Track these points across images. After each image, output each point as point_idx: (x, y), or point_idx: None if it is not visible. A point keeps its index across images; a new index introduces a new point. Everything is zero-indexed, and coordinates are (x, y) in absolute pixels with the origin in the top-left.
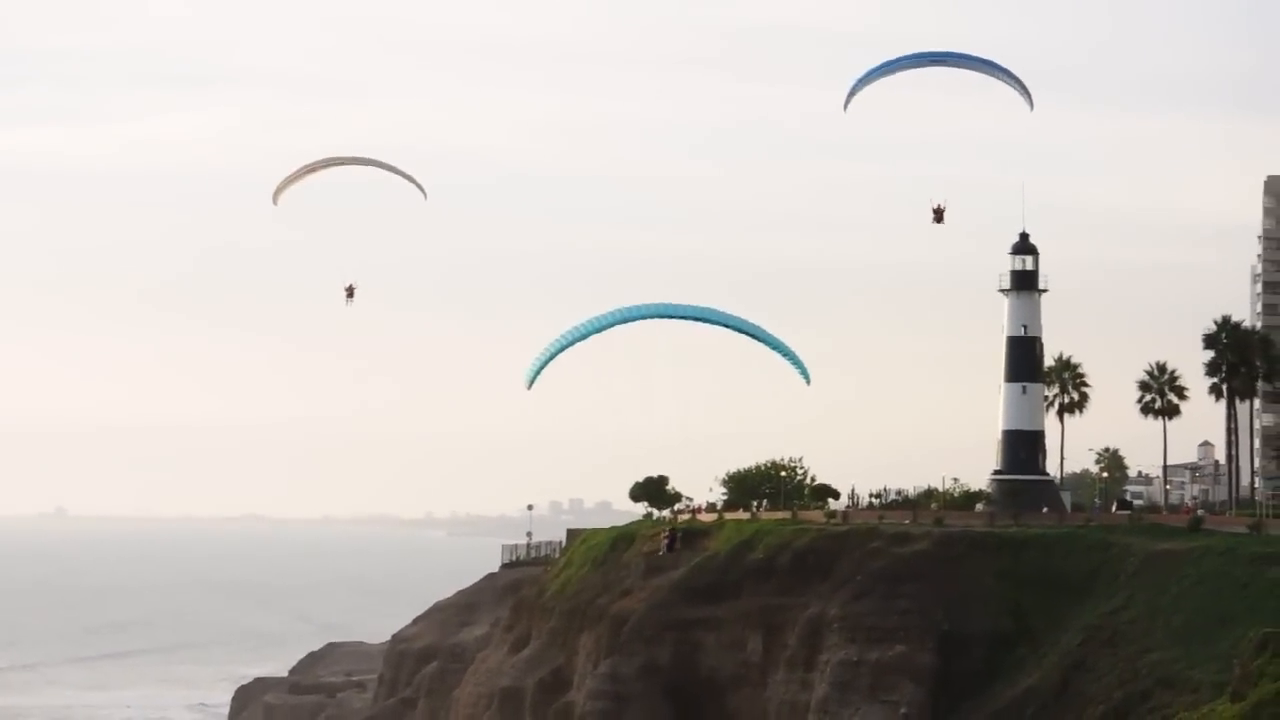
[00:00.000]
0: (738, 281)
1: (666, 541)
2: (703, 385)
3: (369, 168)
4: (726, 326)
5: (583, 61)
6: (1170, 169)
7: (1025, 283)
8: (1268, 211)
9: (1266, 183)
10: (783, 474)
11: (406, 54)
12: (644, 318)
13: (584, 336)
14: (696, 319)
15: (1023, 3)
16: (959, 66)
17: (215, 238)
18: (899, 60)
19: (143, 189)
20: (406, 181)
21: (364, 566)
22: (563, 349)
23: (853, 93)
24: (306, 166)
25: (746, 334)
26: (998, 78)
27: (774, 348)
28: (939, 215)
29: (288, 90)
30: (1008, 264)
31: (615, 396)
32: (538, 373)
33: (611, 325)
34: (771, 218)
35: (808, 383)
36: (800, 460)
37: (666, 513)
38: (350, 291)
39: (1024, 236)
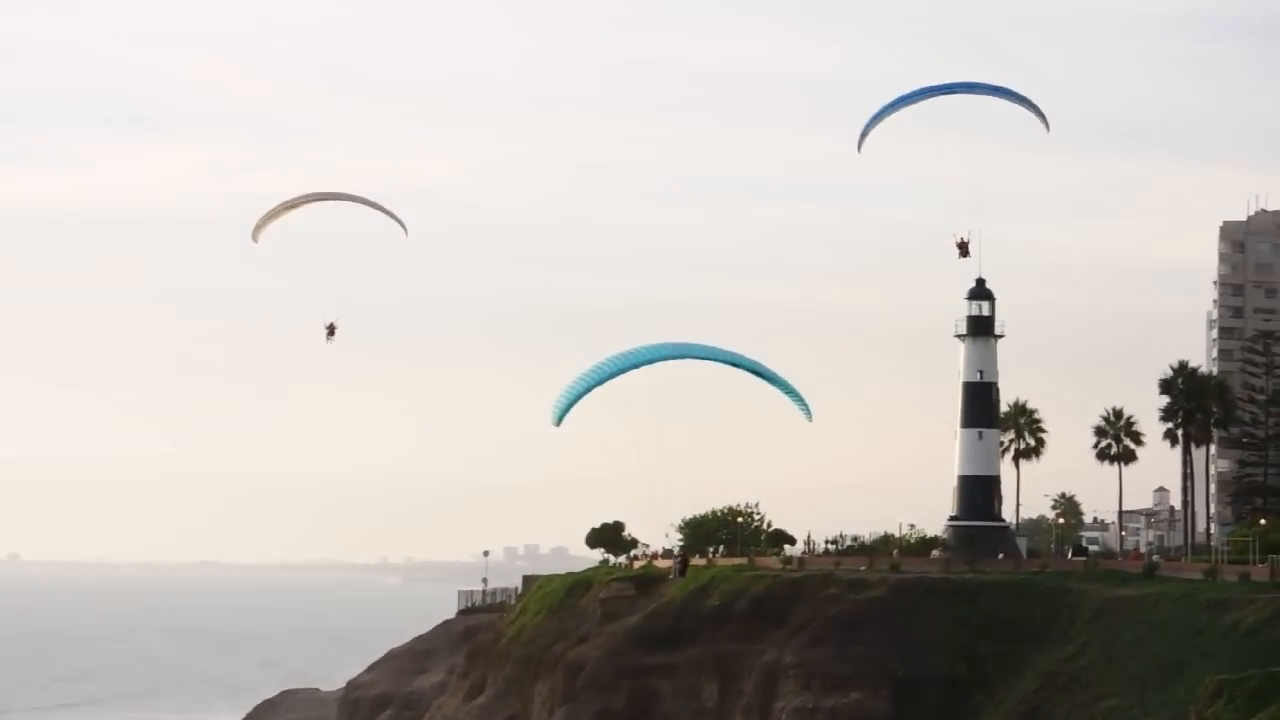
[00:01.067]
0: (692, 326)
1: (679, 565)
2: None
3: (351, 204)
4: (736, 366)
5: (538, 105)
6: (1126, 214)
7: (981, 328)
8: (1223, 257)
9: (1222, 228)
10: (739, 520)
11: (363, 98)
12: (668, 358)
13: (611, 375)
14: (709, 359)
15: (978, 48)
16: (970, 94)
17: (171, 281)
18: (910, 95)
19: (97, 232)
20: (377, 218)
21: (319, 613)
22: (589, 389)
23: (865, 132)
24: (286, 203)
25: (753, 372)
26: (1011, 102)
27: (776, 384)
28: (964, 249)
29: (243, 134)
30: (964, 309)
31: (571, 442)
32: (566, 410)
33: (637, 365)
34: (726, 262)
35: (809, 419)
36: (757, 506)
37: (623, 559)
38: (331, 330)
39: (980, 282)
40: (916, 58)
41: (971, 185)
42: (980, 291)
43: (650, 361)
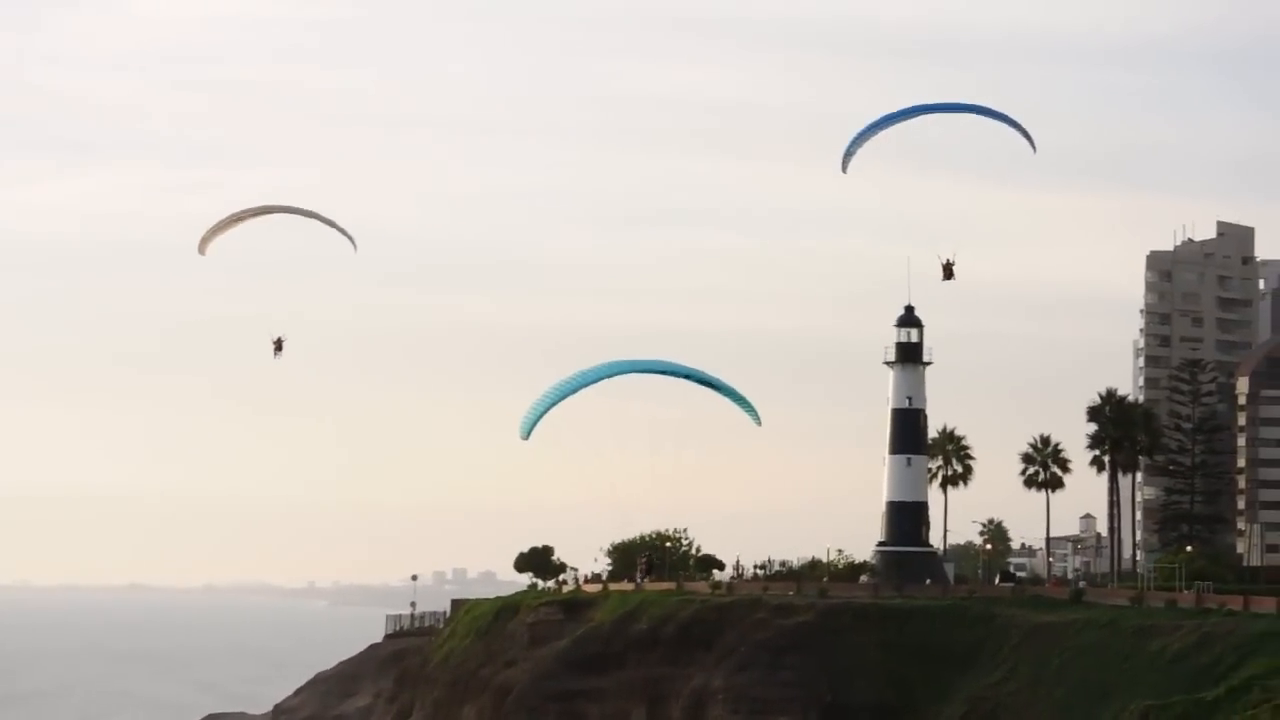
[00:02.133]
0: (627, 352)
1: (643, 566)
2: (586, 456)
3: (298, 217)
4: (685, 377)
5: (467, 131)
6: (1054, 242)
7: (910, 355)
8: (1150, 286)
9: (1149, 258)
10: (668, 545)
11: (296, 120)
12: (631, 372)
13: (576, 389)
14: (669, 373)
15: (905, 77)
16: (953, 113)
17: (94, 304)
18: (895, 115)
19: (25, 256)
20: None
21: (248, 636)
22: (555, 403)
23: (849, 153)
24: (233, 215)
25: (702, 382)
26: (997, 120)
27: (726, 393)
28: (948, 271)
29: (174, 157)
30: (892, 336)
31: (500, 466)
32: (534, 424)
33: (600, 379)
34: (653, 289)
35: (758, 424)
36: (685, 531)
37: (552, 584)
38: (278, 344)
39: (909, 309)
40: (847, 86)
41: (901, 215)
42: (909, 319)
43: (615, 374)
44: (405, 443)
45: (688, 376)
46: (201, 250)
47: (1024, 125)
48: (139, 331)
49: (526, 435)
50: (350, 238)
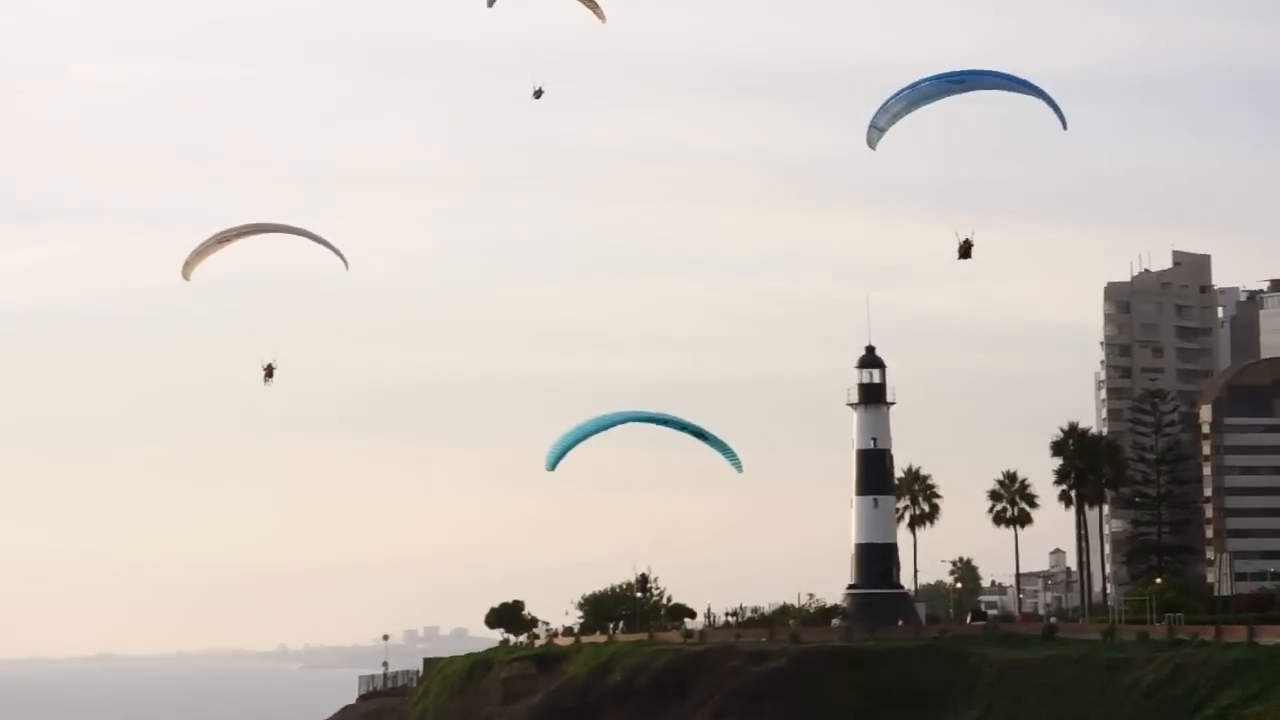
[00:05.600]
0: (592, 401)
1: (639, 581)
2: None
3: (287, 235)
4: (669, 425)
5: (428, 186)
6: (1011, 277)
7: (873, 396)
8: (1109, 318)
9: (1107, 289)
10: (639, 595)
11: (244, 182)
12: (645, 421)
13: (596, 430)
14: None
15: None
16: (987, 88)
17: (55, 373)
18: (920, 83)
19: None
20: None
21: (222, 703)
22: (581, 439)
23: (880, 126)
24: (217, 236)
25: (687, 431)
26: (1032, 95)
27: (708, 441)
28: (966, 250)
29: (126, 222)
30: (855, 377)
31: (468, 522)
32: (559, 457)
33: (617, 424)
34: (615, 337)
35: (739, 471)
36: (656, 580)
37: (524, 638)
38: (269, 371)
39: (870, 350)
40: (804, 129)
41: (859, 255)
42: (870, 360)
43: (629, 422)
44: (371, 502)
45: (682, 428)
46: (186, 275)
47: (1056, 102)
48: (101, 398)
49: (552, 467)
50: (342, 256)
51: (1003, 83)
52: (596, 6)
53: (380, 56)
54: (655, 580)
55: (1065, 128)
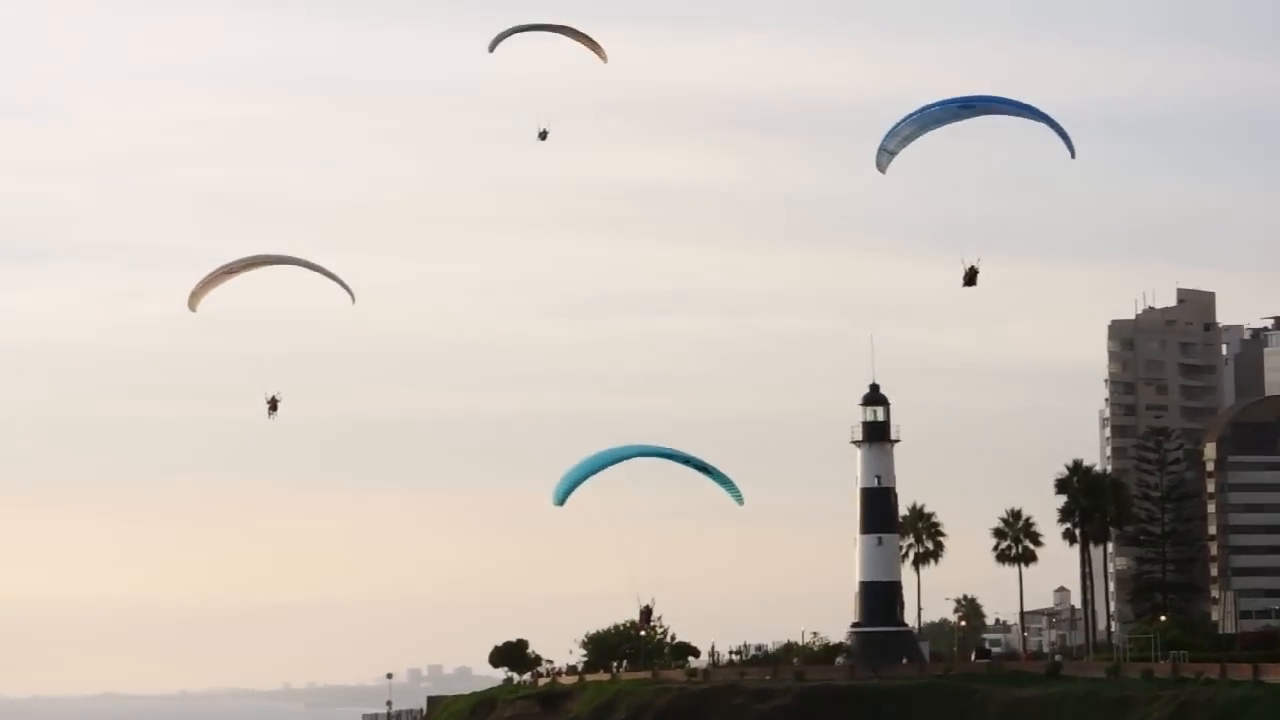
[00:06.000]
0: (590, 441)
1: (643, 614)
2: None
3: (294, 268)
4: (673, 459)
5: (429, 225)
6: (1015, 314)
7: (877, 434)
8: (1113, 355)
9: (1111, 327)
10: (642, 634)
11: (249, 221)
12: (651, 456)
13: (604, 465)
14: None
15: (860, 156)
16: (995, 113)
17: (54, 413)
18: (929, 107)
19: None
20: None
21: None
22: (589, 474)
23: (890, 150)
24: (224, 267)
25: (690, 465)
26: (1039, 122)
27: (710, 474)
28: (971, 277)
29: (122, 262)
30: (859, 415)
31: (472, 560)
32: (568, 492)
33: (625, 459)
34: (618, 375)
35: (740, 503)
36: (659, 619)
37: (528, 677)
38: (273, 404)
39: (874, 388)
40: (798, 167)
41: (864, 292)
42: (874, 397)
43: (637, 456)
44: (374, 540)
45: (686, 461)
46: (192, 306)
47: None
48: (102, 437)
49: (561, 502)
50: (348, 289)
51: (1010, 109)
52: (597, 47)
53: (383, 96)
54: (659, 618)
55: (1073, 155)
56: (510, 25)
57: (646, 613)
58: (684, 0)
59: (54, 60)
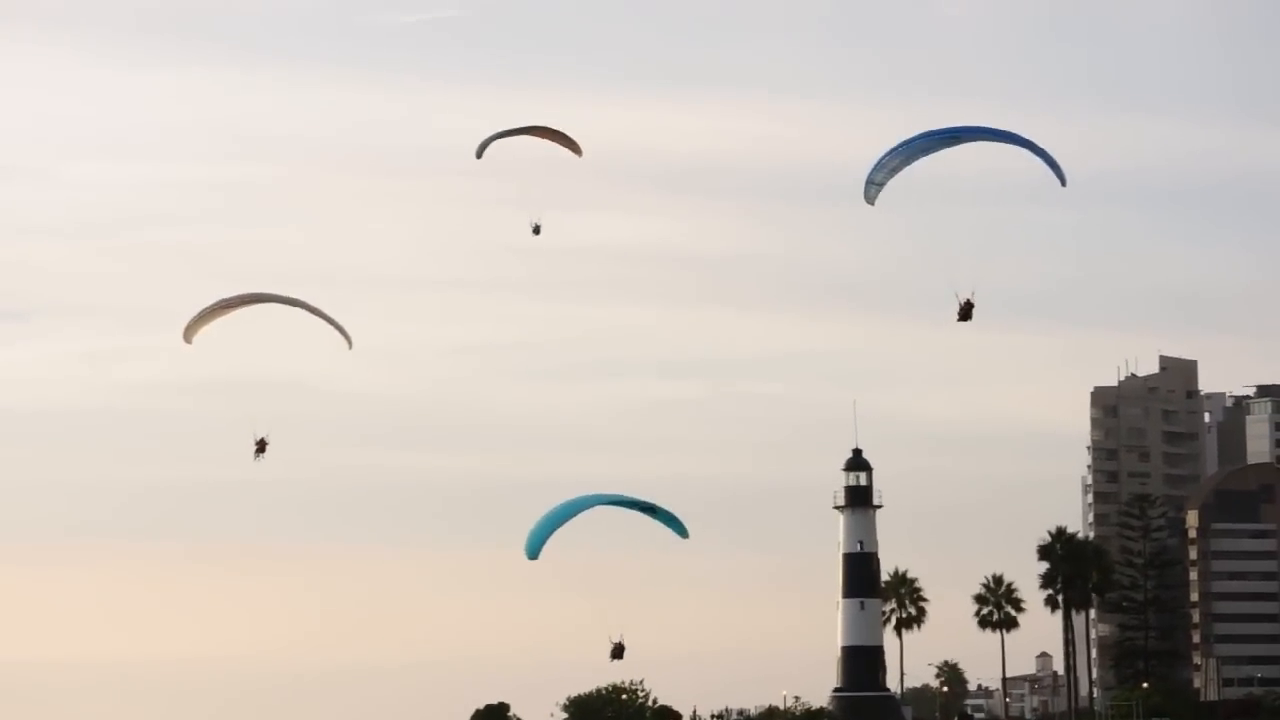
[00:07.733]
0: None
1: (614, 651)
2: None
3: (291, 308)
4: (620, 505)
5: (407, 288)
6: (998, 381)
7: (859, 499)
8: (1095, 422)
9: (1093, 394)
10: (624, 697)
11: (236, 282)
12: (607, 504)
13: (574, 513)
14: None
15: (842, 221)
16: (982, 140)
17: (46, 472)
18: (914, 139)
19: None
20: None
21: None
22: (560, 523)
23: (877, 182)
24: (221, 302)
25: (636, 508)
26: (1027, 150)
27: (656, 514)
28: (966, 312)
29: (107, 321)
30: (841, 480)
31: (450, 623)
32: (541, 543)
33: (594, 505)
34: (597, 438)
35: (684, 537)
36: (641, 683)
37: None
38: (261, 445)
39: (857, 453)
40: (784, 226)
41: (847, 357)
42: (857, 462)
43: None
44: (347, 602)
45: (631, 505)
46: (188, 339)
47: (1056, 161)
48: (93, 498)
49: (533, 555)
50: (345, 333)
51: (998, 138)
52: (572, 143)
53: (367, 159)
54: (641, 681)
55: (1064, 184)
56: (492, 132)
57: (619, 649)
58: (665, 63)
59: (37, 122)
